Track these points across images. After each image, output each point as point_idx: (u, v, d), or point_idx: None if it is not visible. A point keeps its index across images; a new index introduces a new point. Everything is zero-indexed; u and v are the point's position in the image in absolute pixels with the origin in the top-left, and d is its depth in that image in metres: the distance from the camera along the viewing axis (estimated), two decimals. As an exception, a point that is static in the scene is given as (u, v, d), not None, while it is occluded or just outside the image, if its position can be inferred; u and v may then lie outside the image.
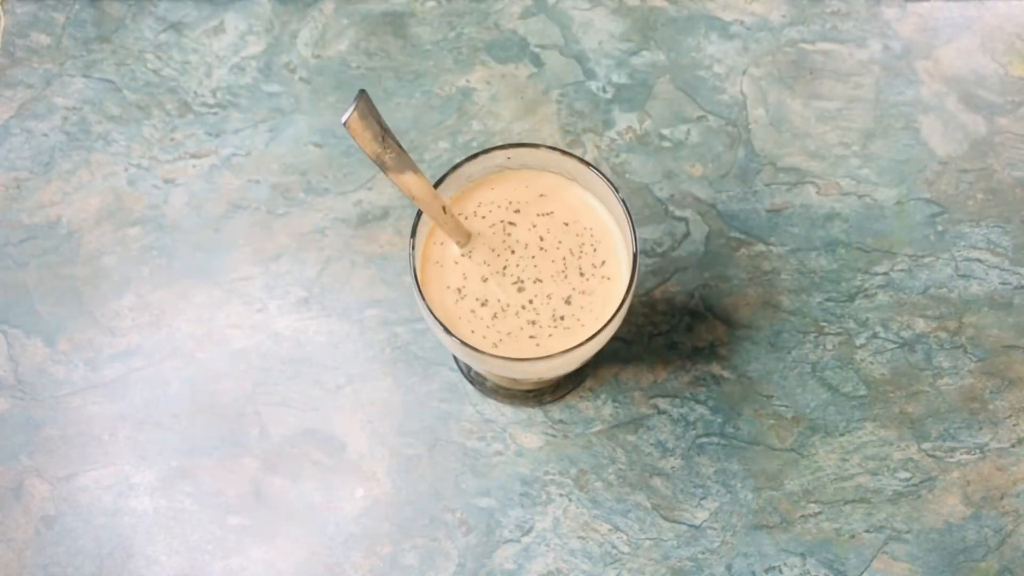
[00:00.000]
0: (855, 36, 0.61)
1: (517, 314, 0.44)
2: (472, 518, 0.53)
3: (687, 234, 0.58)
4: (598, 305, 0.44)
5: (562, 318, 0.44)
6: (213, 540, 0.53)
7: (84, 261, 0.57)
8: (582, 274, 0.44)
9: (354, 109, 0.37)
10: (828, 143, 0.59)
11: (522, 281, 0.44)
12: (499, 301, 0.44)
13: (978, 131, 0.60)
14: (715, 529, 0.53)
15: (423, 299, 0.42)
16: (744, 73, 0.61)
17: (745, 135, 0.59)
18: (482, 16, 0.62)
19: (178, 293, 0.57)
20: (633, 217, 0.43)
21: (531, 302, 0.44)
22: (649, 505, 0.53)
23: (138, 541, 0.53)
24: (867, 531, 0.53)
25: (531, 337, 0.44)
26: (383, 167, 0.39)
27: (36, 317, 0.56)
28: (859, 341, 0.56)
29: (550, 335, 0.44)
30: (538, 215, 0.45)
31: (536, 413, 0.55)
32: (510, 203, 0.46)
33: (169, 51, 0.61)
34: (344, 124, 0.37)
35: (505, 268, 0.45)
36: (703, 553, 0.53)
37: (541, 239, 0.45)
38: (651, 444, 0.54)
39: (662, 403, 0.55)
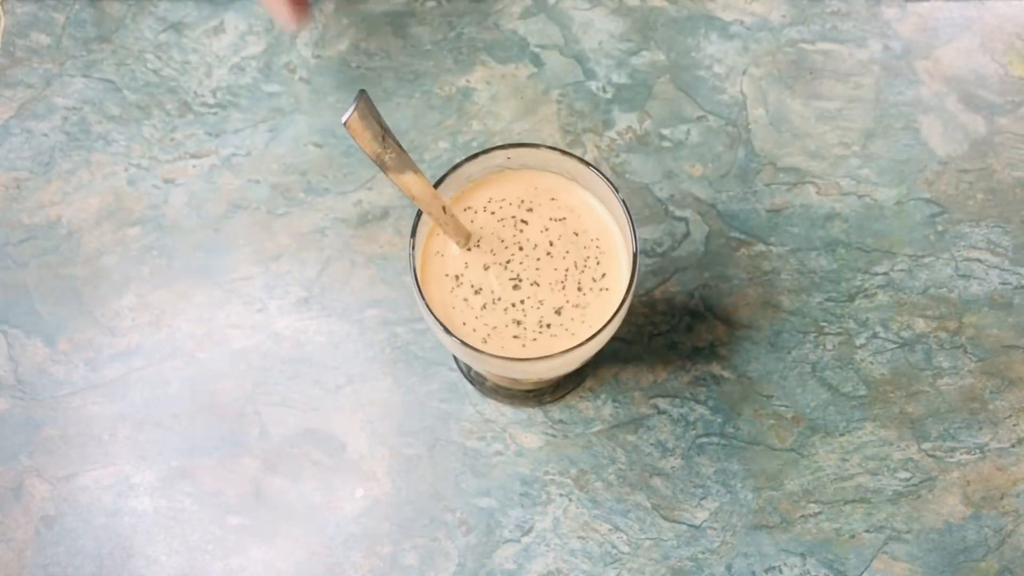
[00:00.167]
0: (855, 36, 0.61)
1: (506, 310, 0.44)
2: (472, 518, 0.53)
3: (687, 234, 0.58)
4: (590, 317, 0.44)
5: (548, 326, 0.44)
6: (213, 540, 0.53)
7: (84, 261, 0.57)
8: (579, 288, 0.44)
9: (354, 109, 0.37)
10: (828, 143, 0.59)
11: (520, 279, 0.44)
12: (492, 292, 0.44)
13: (978, 131, 0.60)
14: (715, 529, 0.53)
15: (423, 299, 0.42)
16: (744, 73, 0.61)
17: (745, 135, 0.59)
18: (482, 16, 0.62)
19: (178, 293, 0.57)
20: (633, 217, 0.43)
21: (522, 302, 0.44)
22: (649, 505, 0.53)
23: (138, 541, 0.53)
24: (867, 531, 0.53)
25: (515, 337, 0.44)
26: (383, 167, 0.39)
27: (36, 317, 0.56)
28: (859, 341, 0.56)
29: (534, 339, 0.43)
30: (551, 219, 0.45)
31: (536, 413, 0.55)
32: (522, 201, 0.46)
33: (169, 51, 0.61)
34: (344, 124, 0.37)
35: (508, 263, 0.45)
36: (703, 553, 0.53)
37: (551, 244, 0.45)
38: (651, 444, 0.54)
39: (662, 403, 0.55)
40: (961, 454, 0.54)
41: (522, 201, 0.46)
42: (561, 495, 0.54)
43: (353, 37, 0.61)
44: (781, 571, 0.53)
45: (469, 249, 0.45)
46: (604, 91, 0.60)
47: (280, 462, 0.54)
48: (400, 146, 0.40)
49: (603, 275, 0.44)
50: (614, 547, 0.53)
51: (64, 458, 0.54)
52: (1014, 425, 0.55)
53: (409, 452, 0.54)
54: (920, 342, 0.56)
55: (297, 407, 0.55)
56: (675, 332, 0.56)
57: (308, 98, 0.60)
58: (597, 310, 0.44)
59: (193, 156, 0.59)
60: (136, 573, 0.53)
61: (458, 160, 0.44)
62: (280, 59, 0.61)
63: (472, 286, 0.44)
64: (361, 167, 0.59)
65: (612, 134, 0.59)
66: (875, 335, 0.56)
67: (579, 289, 0.44)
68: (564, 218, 0.45)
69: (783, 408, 0.55)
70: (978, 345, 0.56)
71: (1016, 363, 0.56)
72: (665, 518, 0.53)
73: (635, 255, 0.42)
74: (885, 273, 0.57)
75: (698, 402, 0.55)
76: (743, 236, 0.58)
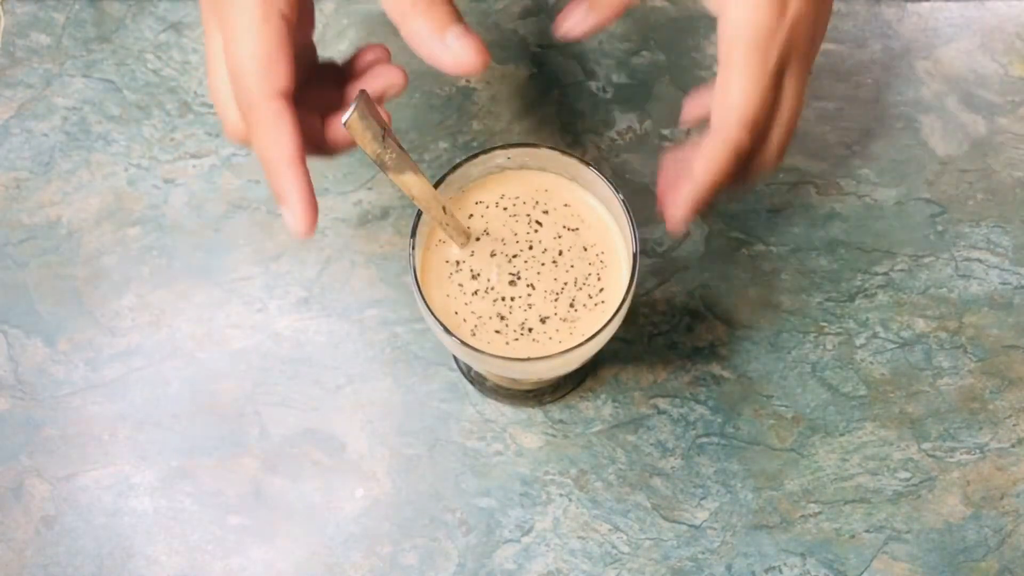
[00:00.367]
0: (855, 36, 0.61)
1: (495, 301, 0.44)
2: (472, 518, 0.53)
3: (687, 234, 0.58)
4: (577, 330, 0.43)
5: (530, 330, 0.44)
6: (213, 540, 0.53)
7: (84, 261, 0.57)
8: (572, 304, 0.44)
9: (354, 109, 0.37)
10: (828, 143, 0.59)
11: (519, 277, 0.44)
12: (488, 281, 0.44)
13: (978, 131, 0.60)
14: (715, 529, 0.53)
15: (423, 299, 0.42)
16: (744, 73, 0.61)
17: (745, 135, 0.59)
18: (482, 16, 0.62)
19: (178, 293, 0.57)
20: (633, 217, 0.43)
21: (513, 299, 0.44)
22: (649, 505, 0.53)
23: (138, 541, 0.53)
24: (867, 531, 0.53)
25: (497, 332, 0.43)
26: (383, 167, 0.39)
27: (36, 317, 0.56)
28: (859, 341, 0.56)
29: (516, 339, 0.43)
30: (565, 227, 0.45)
31: (536, 413, 0.55)
32: (536, 203, 0.45)
33: (169, 51, 0.61)
34: (344, 124, 0.37)
35: (515, 257, 0.44)
36: (703, 553, 0.53)
37: (559, 253, 0.45)
38: (651, 444, 0.54)
39: (662, 403, 0.55)
40: (961, 454, 0.54)
41: (536, 202, 0.45)
42: (561, 495, 0.54)
43: (353, 37, 0.61)
44: (781, 571, 0.53)
45: (472, 253, 0.45)
46: (604, 91, 0.60)
47: (280, 462, 0.54)
48: (400, 146, 0.39)
49: (600, 290, 0.44)
50: (614, 547, 0.53)
51: (64, 458, 0.54)
52: (1014, 425, 0.55)
53: (409, 452, 0.54)
54: (920, 342, 0.56)
55: (297, 407, 0.55)
56: (675, 332, 0.56)
57: (308, 98, 0.60)
58: (587, 324, 0.43)
59: (193, 156, 0.59)
60: (136, 573, 0.53)
61: (458, 160, 0.44)
62: (280, 59, 0.61)
63: (472, 270, 0.44)
64: (361, 167, 0.59)
65: (612, 134, 0.59)
66: (875, 335, 0.56)
67: (571, 305, 0.44)
68: (576, 228, 0.45)
69: (783, 408, 0.55)
70: (978, 345, 0.56)
71: (1016, 363, 0.56)
72: (665, 518, 0.53)
73: (635, 255, 0.42)
74: (885, 273, 0.57)
75: (698, 402, 0.55)
76: (743, 236, 0.58)
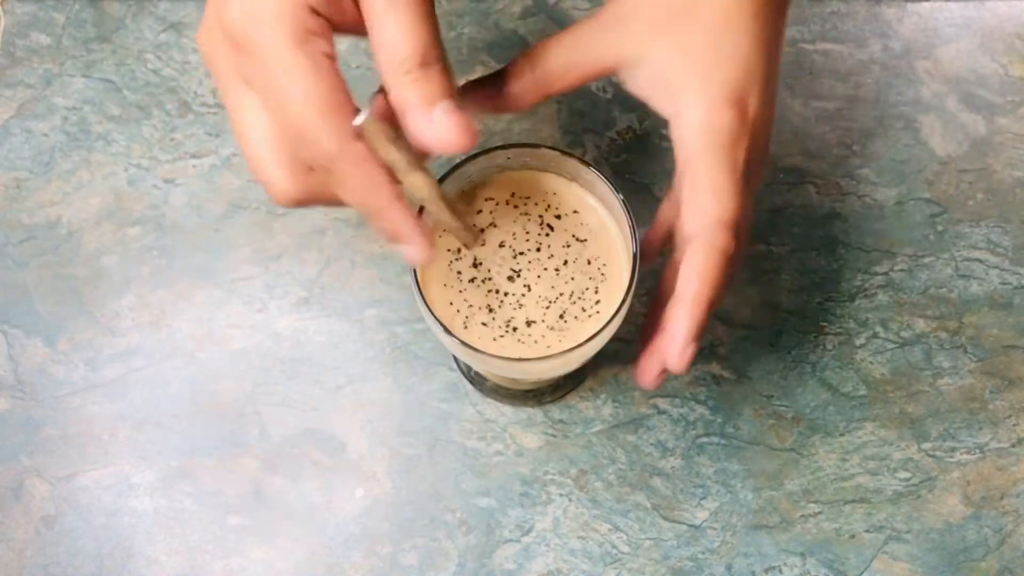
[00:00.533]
0: (855, 36, 0.61)
1: (488, 293, 0.44)
2: (472, 518, 0.53)
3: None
4: (565, 340, 0.43)
5: (514, 329, 0.43)
6: (213, 540, 0.53)
7: (84, 261, 0.57)
8: (562, 316, 0.43)
9: (369, 112, 0.36)
10: (828, 143, 0.59)
11: (518, 275, 0.44)
12: (488, 271, 0.44)
13: (978, 131, 0.60)
14: (715, 529, 0.53)
15: (423, 299, 0.42)
16: (744, 73, 0.61)
17: (745, 135, 0.59)
18: (482, 16, 0.62)
19: (178, 293, 0.57)
20: (633, 217, 0.43)
21: (506, 295, 0.44)
22: (649, 505, 0.53)
23: (138, 541, 0.53)
24: (867, 531, 0.53)
25: (483, 324, 0.43)
26: (396, 169, 0.39)
27: (36, 317, 0.56)
28: (859, 341, 0.56)
29: (502, 335, 0.43)
30: (574, 237, 0.45)
31: (536, 413, 0.55)
32: (548, 206, 0.45)
33: (169, 51, 0.61)
34: (359, 125, 0.36)
35: (522, 254, 0.44)
36: (703, 553, 0.53)
37: (564, 263, 0.44)
38: (651, 444, 0.54)
39: (662, 403, 0.55)
40: (961, 454, 0.54)
41: (548, 206, 0.45)
42: (561, 495, 0.54)
43: (353, 37, 0.61)
44: (781, 571, 0.53)
45: (483, 243, 0.44)
46: (604, 91, 0.60)
47: (280, 462, 0.54)
48: (410, 147, 0.39)
49: (597, 302, 0.44)
50: (614, 547, 0.53)
51: (64, 458, 0.54)
52: (1014, 425, 0.55)
53: (409, 452, 0.54)
54: (920, 342, 0.56)
55: (297, 407, 0.55)
56: (675, 332, 0.56)
57: (308, 98, 0.60)
58: (575, 334, 0.43)
59: (193, 156, 0.59)
60: (136, 573, 0.53)
61: (458, 160, 0.44)
62: (280, 59, 0.61)
63: (475, 258, 0.44)
64: (361, 167, 0.59)
65: (612, 134, 0.59)
66: (875, 335, 0.56)
67: (561, 316, 0.44)
68: (585, 240, 0.45)
69: (783, 408, 0.55)
70: (978, 345, 0.56)
71: (1016, 363, 0.56)
72: (665, 518, 0.53)
73: (635, 255, 0.42)
74: (885, 273, 0.57)
75: (698, 402, 0.55)
76: (743, 236, 0.58)
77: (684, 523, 0.53)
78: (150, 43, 0.61)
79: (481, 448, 0.54)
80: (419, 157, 0.39)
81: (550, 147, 0.44)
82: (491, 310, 0.43)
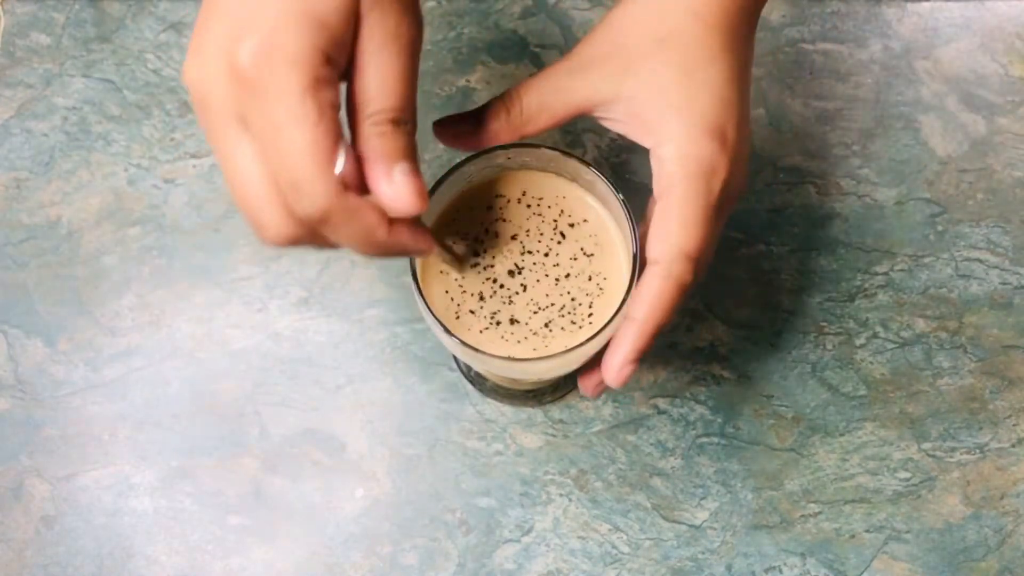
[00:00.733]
0: (855, 36, 0.61)
1: (485, 281, 0.43)
2: (472, 518, 0.53)
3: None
4: (549, 347, 0.43)
5: (498, 324, 0.43)
6: (213, 540, 0.53)
7: (84, 261, 0.57)
8: (547, 325, 0.43)
9: (344, 154, 0.35)
10: (828, 143, 0.59)
11: (519, 272, 0.44)
12: (492, 259, 0.44)
13: (978, 131, 0.60)
14: (715, 529, 0.53)
15: (423, 299, 0.42)
16: (744, 73, 0.61)
17: (745, 135, 0.59)
18: (482, 16, 0.62)
19: (178, 293, 0.57)
20: (633, 217, 0.43)
21: (501, 287, 0.44)
22: (649, 505, 0.53)
23: (138, 541, 0.53)
24: (867, 531, 0.53)
25: (471, 312, 0.43)
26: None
27: (36, 317, 0.56)
28: (859, 341, 0.56)
29: (486, 327, 0.43)
30: (582, 251, 0.45)
31: (536, 413, 0.55)
32: (561, 212, 0.45)
33: (169, 51, 0.61)
34: (337, 172, 0.35)
35: (529, 253, 0.44)
36: (703, 553, 0.53)
37: (566, 276, 0.44)
38: (651, 444, 0.54)
39: (662, 403, 0.55)
40: (961, 454, 0.54)
41: (561, 211, 0.45)
42: (561, 495, 0.54)
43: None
44: (781, 571, 0.53)
45: (497, 235, 0.44)
46: (604, 91, 0.60)
47: (280, 462, 0.54)
48: None
49: (590, 314, 0.44)
50: (614, 547, 0.53)
51: (64, 458, 0.54)
52: (1014, 425, 0.55)
53: (409, 452, 0.54)
54: (920, 342, 0.56)
55: (297, 407, 0.55)
56: (675, 332, 0.56)
57: (308, 98, 0.60)
58: (559, 343, 0.43)
59: (193, 156, 0.59)
60: (136, 573, 0.53)
61: (458, 160, 0.44)
62: (280, 59, 0.61)
63: (484, 247, 0.44)
64: (361, 167, 0.59)
65: (612, 134, 0.59)
66: (875, 335, 0.56)
67: (546, 325, 0.43)
68: (592, 255, 0.45)
69: (783, 408, 0.55)
70: (978, 345, 0.56)
71: (1016, 363, 0.56)
72: (665, 518, 0.53)
73: (635, 255, 0.42)
74: (885, 273, 0.57)
75: (698, 402, 0.55)
76: (743, 236, 0.58)
77: (684, 523, 0.53)
78: (150, 43, 0.61)
79: (481, 448, 0.54)
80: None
81: (550, 147, 0.44)
82: (482, 298, 0.43)
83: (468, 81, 0.61)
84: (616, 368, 0.41)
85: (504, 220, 0.45)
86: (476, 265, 0.44)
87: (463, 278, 0.44)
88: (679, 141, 0.39)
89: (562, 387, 0.55)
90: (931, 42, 0.61)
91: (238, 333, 0.56)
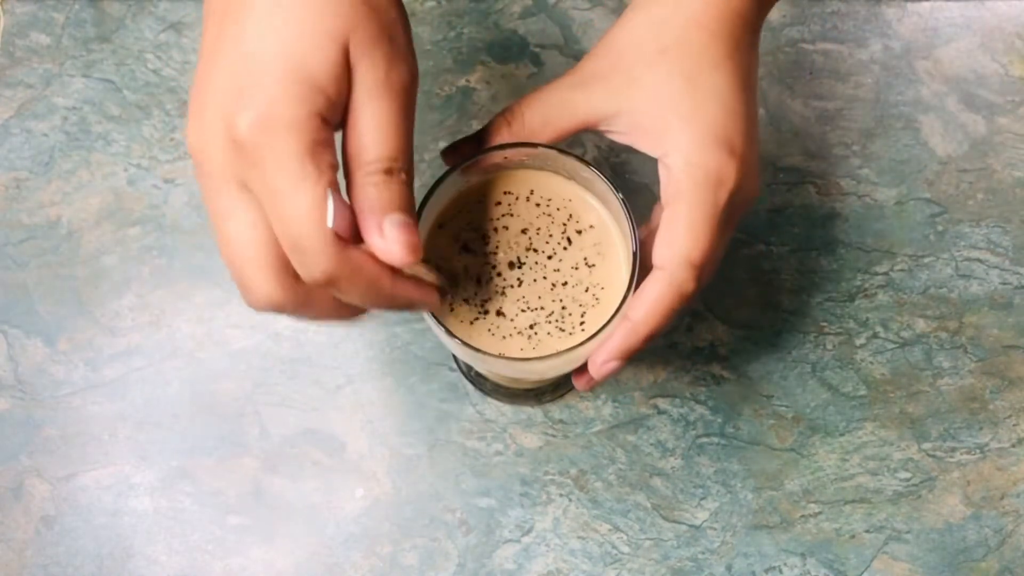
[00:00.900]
0: (855, 36, 0.61)
1: (484, 265, 0.43)
2: (472, 518, 0.53)
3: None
4: (537, 348, 0.43)
5: (486, 313, 0.43)
6: (213, 540, 0.53)
7: (84, 261, 0.57)
8: (532, 327, 0.43)
9: (332, 201, 0.35)
10: (828, 143, 0.59)
11: (518, 266, 0.44)
12: (497, 245, 0.43)
13: (978, 131, 0.60)
14: (715, 529, 0.53)
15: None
16: (744, 73, 0.61)
17: (745, 135, 0.59)
18: (482, 16, 0.62)
19: (178, 293, 0.57)
20: (633, 217, 0.43)
21: (498, 275, 0.44)
22: (649, 505, 0.53)
23: (138, 541, 0.53)
24: (867, 531, 0.53)
25: (464, 301, 0.43)
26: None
27: (36, 317, 0.56)
28: (859, 341, 0.56)
29: (476, 317, 0.43)
30: (585, 260, 0.44)
31: (536, 413, 0.55)
32: (570, 216, 0.45)
33: (169, 51, 0.61)
34: (329, 225, 0.34)
35: (535, 250, 0.44)
36: (703, 553, 0.53)
37: (564, 284, 0.44)
38: (651, 444, 0.54)
39: (662, 403, 0.55)
40: (961, 454, 0.54)
41: (570, 215, 0.45)
42: (561, 495, 0.54)
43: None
44: (781, 571, 0.53)
45: (507, 228, 0.44)
46: (604, 91, 0.60)
47: (280, 462, 0.54)
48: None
49: (581, 321, 0.44)
50: (614, 547, 0.53)
51: (64, 458, 0.54)
52: (1014, 425, 0.55)
53: (409, 452, 0.54)
54: (920, 342, 0.56)
55: (297, 407, 0.55)
56: (675, 332, 0.56)
57: (308, 98, 0.60)
58: (545, 347, 0.43)
59: (193, 156, 0.59)
60: (136, 573, 0.53)
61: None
62: (280, 59, 0.61)
63: (494, 232, 0.44)
64: (361, 167, 0.59)
65: (612, 134, 0.59)
66: (875, 335, 0.56)
67: (531, 327, 0.43)
68: (594, 265, 0.45)
69: (783, 408, 0.55)
70: (978, 345, 0.56)
71: (1016, 363, 0.56)
72: (665, 518, 0.53)
73: (635, 255, 0.42)
74: (885, 273, 0.57)
75: (698, 402, 0.55)
76: (743, 236, 0.58)
77: (684, 523, 0.53)
78: (150, 43, 0.61)
79: (481, 448, 0.54)
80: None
81: (550, 146, 0.44)
82: (478, 282, 0.43)
83: (468, 81, 0.61)
84: (600, 362, 0.41)
85: (513, 215, 0.45)
86: (472, 251, 0.43)
87: (464, 256, 0.43)
88: (686, 150, 0.39)
89: (562, 387, 0.55)
90: (931, 42, 0.61)
91: (238, 333, 0.56)
